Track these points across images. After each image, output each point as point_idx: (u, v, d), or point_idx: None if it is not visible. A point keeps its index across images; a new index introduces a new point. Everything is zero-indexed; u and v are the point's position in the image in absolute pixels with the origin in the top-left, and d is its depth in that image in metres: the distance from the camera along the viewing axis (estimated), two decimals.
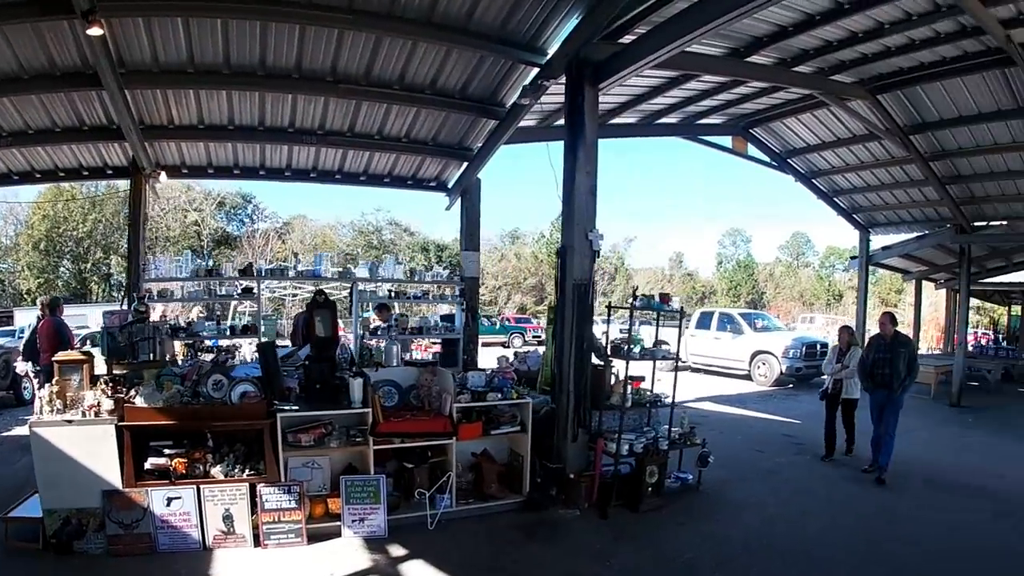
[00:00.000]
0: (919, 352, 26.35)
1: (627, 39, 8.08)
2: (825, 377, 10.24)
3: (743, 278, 71.19)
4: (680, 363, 20.05)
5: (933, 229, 17.82)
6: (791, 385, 18.32)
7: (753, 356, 19.08)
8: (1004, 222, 16.82)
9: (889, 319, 9.04)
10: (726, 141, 15.47)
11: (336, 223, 51.67)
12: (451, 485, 6.54)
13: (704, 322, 21.16)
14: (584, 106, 7.37)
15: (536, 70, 8.52)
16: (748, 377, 19.17)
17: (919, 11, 9.19)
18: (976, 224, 16.95)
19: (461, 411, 6.67)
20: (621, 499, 7.01)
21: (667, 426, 7.81)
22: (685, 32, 6.39)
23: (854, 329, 10.48)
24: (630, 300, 7.55)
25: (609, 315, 8.05)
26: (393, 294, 10.43)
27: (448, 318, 11.52)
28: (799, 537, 6.57)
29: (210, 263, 10.69)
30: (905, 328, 31.26)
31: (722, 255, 76.78)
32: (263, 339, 9.57)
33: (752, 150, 15.93)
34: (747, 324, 20.15)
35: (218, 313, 21.99)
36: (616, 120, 12.83)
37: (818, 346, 18.95)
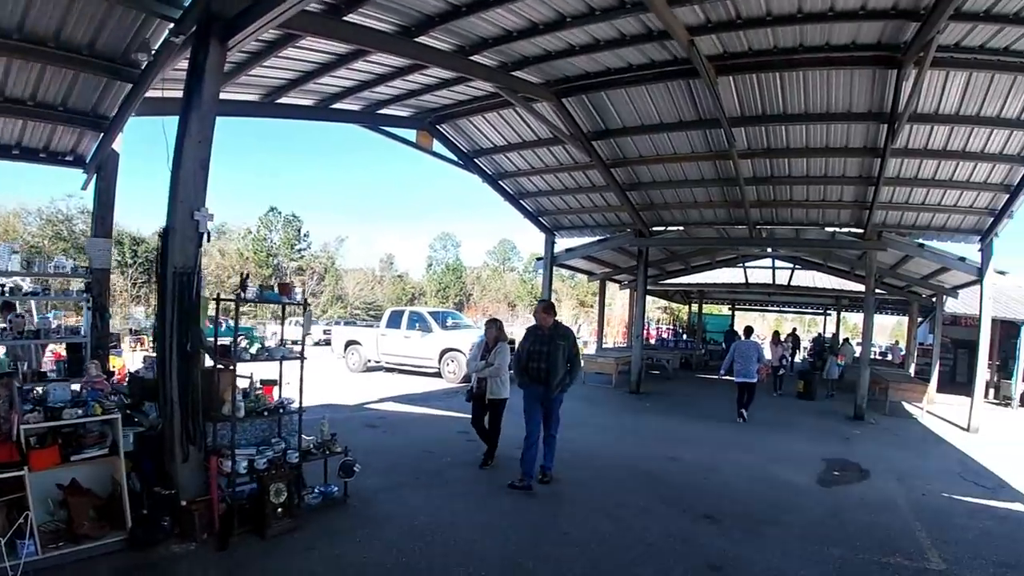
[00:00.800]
0: (607, 346, 28.22)
1: None
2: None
3: (452, 280, 73.60)
4: (372, 362, 20.15)
5: (614, 233, 18.67)
6: None
7: (442, 354, 18.93)
8: (681, 228, 17.87)
9: (544, 307, 8.31)
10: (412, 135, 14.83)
11: (21, 209, 44.53)
12: (31, 527, 5.06)
13: (394, 321, 20.61)
14: (206, 65, 6.17)
15: (172, 25, 7.20)
16: (439, 375, 18.96)
17: (602, 5, 9.08)
18: (655, 229, 17.91)
19: (37, 433, 5.26)
20: (248, 524, 5.97)
21: (301, 436, 6.85)
22: None
23: (503, 323, 9.92)
24: (237, 290, 6.50)
25: (218, 309, 6.88)
26: (7, 290, 8.58)
27: None
28: (444, 550, 5.90)
29: None
30: (589, 325, 32.98)
31: (433, 258, 79.46)
32: None
33: (440, 148, 15.56)
34: (436, 323, 19.89)
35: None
36: (288, 100, 11.77)
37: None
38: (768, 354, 18.29)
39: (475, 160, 16.32)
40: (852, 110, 11.65)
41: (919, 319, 28.14)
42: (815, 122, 12.14)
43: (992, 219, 14.60)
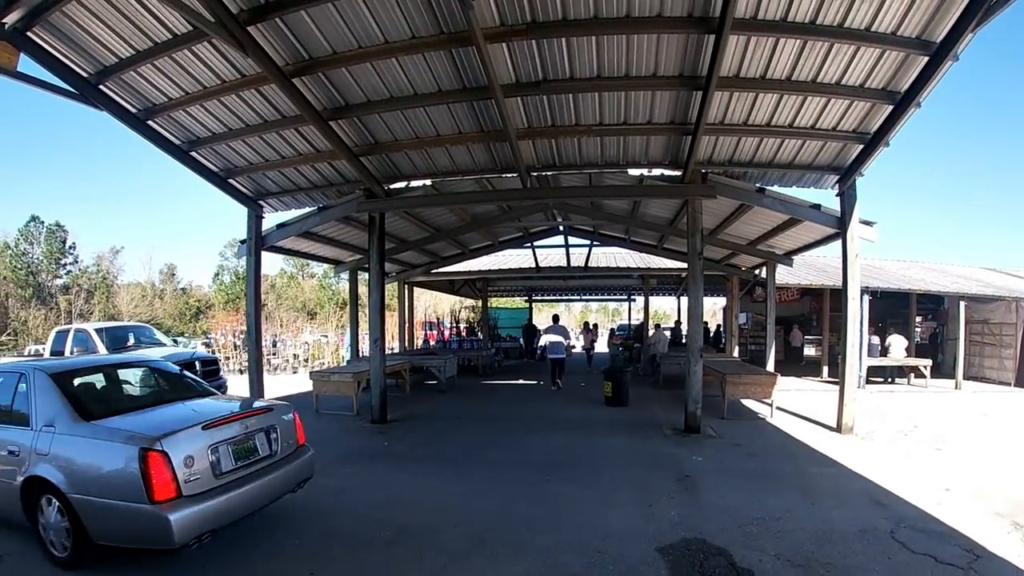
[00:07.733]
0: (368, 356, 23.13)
1: None
2: None
3: (243, 291, 66.59)
4: None
5: (342, 195, 12.85)
6: None
7: None
8: (428, 181, 12.50)
9: None
10: None
11: None
12: None
13: (59, 344, 14.58)
14: None
15: None
16: None
17: None
18: (393, 187, 12.44)
19: None
20: None
21: None
22: None
23: None
24: None
25: None
26: None
27: None
28: None
29: None
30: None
31: (222, 267, 71.43)
32: None
33: (35, 67, 8.99)
34: (103, 343, 13.93)
35: None
36: None
37: (197, 363, 13.96)
38: (582, 340, 22.03)
39: (101, 87, 9.82)
40: None
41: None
42: None
43: (861, 147, 10.16)
